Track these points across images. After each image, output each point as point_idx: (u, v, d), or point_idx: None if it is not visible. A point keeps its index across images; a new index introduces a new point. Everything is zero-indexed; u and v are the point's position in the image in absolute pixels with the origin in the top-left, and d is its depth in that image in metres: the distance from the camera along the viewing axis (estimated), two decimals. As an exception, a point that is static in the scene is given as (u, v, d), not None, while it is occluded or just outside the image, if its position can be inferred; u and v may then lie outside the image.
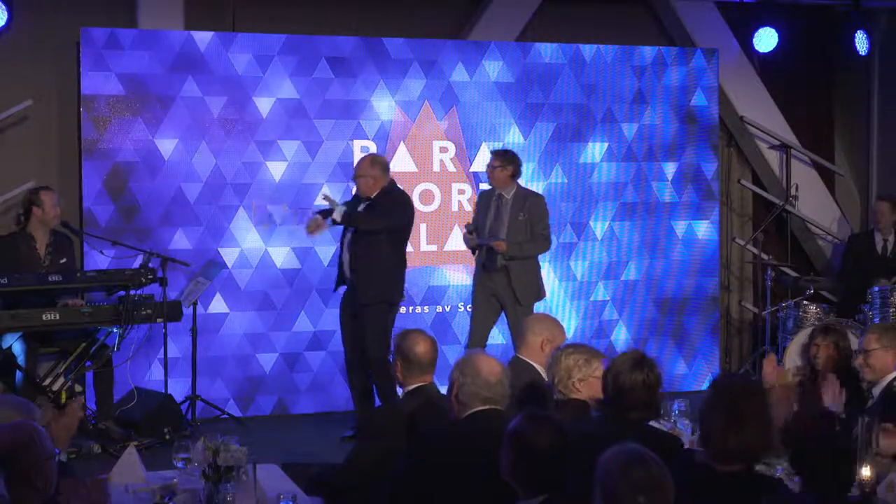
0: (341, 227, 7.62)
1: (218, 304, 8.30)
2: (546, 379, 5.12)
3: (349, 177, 8.49)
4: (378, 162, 7.56)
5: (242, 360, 8.37)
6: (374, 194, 7.48)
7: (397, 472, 4.18)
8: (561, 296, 9.12)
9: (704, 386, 9.31)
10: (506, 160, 7.79)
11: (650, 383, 4.17)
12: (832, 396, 4.87)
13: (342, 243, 7.60)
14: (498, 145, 8.62)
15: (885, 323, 7.47)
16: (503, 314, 7.85)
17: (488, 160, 7.89)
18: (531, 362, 5.36)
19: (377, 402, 7.55)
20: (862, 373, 5.43)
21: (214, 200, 8.30)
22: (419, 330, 4.91)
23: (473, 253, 7.90)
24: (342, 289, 7.68)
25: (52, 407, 4.27)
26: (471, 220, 8.00)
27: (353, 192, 7.71)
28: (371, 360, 7.40)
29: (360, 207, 7.53)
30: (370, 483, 4.42)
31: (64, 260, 7.55)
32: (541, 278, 7.92)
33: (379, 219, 7.42)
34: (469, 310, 8.11)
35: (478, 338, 7.81)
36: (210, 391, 8.19)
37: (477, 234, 7.80)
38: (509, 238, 7.71)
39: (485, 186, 8.17)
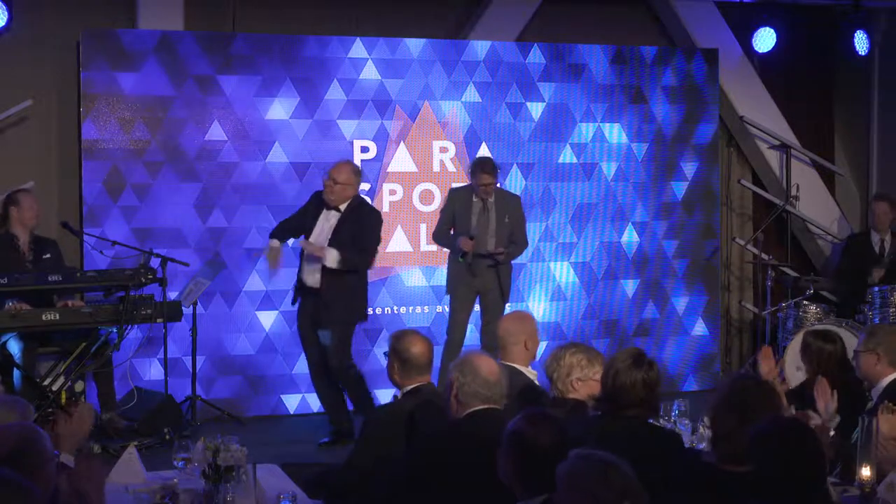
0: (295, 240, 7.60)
1: (218, 304, 8.30)
2: (531, 379, 5.10)
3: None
4: (358, 172, 7.53)
5: (243, 360, 8.37)
6: (345, 204, 7.37)
7: (397, 472, 4.18)
8: (561, 295, 9.11)
9: (704, 386, 9.32)
10: (497, 174, 7.86)
11: (649, 381, 4.17)
12: (824, 400, 4.83)
13: (301, 255, 7.50)
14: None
15: (876, 325, 7.44)
16: (478, 309, 8.01)
17: (479, 176, 7.77)
18: (517, 366, 5.30)
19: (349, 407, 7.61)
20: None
21: (215, 200, 8.30)
22: (413, 330, 4.91)
23: (462, 256, 7.81)
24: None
25: (63, 413, 4.24)
26: (441, 216, 8.02)
27: (318, 196, 7.50)
28: (335, 369, 7.40)
29: (330, 217, 7.33)
30: (370, 483, 4.42)
31: (48, 255, 7.58)
32: None
33: (369, 250, 7.42)
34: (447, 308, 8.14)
35: (460, 335, 7.92)
36: (210, 391, 8.19)
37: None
38: (497, 242, 7.83)
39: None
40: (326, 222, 7.39)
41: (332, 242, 7.28)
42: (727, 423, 3.66)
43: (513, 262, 8.13)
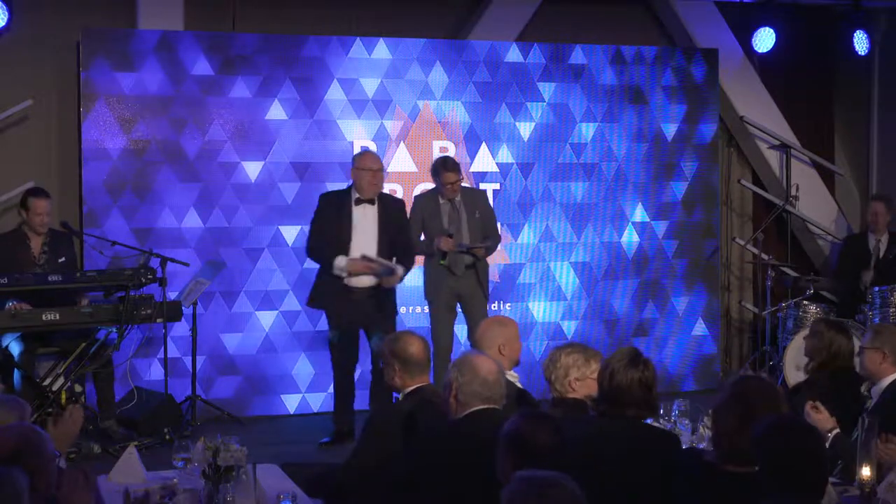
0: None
1: (218, 304, 8.30)
2: (512, 382, 5.09)
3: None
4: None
5: (243, 360, 8.37)
6: (377, 195, 7.40)
7: (397, 472, 4.18)
8: (561, 295, 9.11)
9: (704, 386, 9.32)
10: (460, 170, 7.80)
11: (646, 381, 4.17)
12: (821, 420, 4.79)
13: (350, 240, 7.31)
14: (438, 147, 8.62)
15: (883, 324, 7.43)
16: (461, 313, 7.91)
17: (444, 175, 7.66)
18: None
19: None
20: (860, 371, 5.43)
21: (215, 200, 8.30)
22: (409, 331, 4.94)
23: (443, 258, 7.68)
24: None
25: (54, 413, 4.26)
26: (414, 227, 7.82)
27: (334, 197, 7.46)
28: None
29: (367, 212, 7.32)
30: (370, 483, 4.42)
31: (63, 259, 7.53)
32: None
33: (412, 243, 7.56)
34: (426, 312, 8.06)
35: (447, 340, 7.84)
36: (210, 391, 8.19)
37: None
38: (472, 239, 7.76)
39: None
40: (364, 218, 7.34)
41: (381, 237, 7.30)
42: (728, 422, 3.66)
43: (511, 262, 8.12)
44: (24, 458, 3.33)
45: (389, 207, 7.45)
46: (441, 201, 7.79)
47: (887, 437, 4.42)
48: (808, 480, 3.30)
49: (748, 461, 3.57)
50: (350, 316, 7.38)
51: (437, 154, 8.77)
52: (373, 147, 8.59)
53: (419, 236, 7.85)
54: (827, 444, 4.60)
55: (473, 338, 7.52)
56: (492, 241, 7.92)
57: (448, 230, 7.69)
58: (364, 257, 7.27)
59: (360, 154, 7.56)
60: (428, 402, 4.58)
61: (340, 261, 7.25)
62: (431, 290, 7.89)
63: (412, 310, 8.64)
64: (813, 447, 3.33)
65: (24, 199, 7.52)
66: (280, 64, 8.41)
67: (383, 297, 7.35)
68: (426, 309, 8.65)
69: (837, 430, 4.71)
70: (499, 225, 8.30)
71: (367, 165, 7.32)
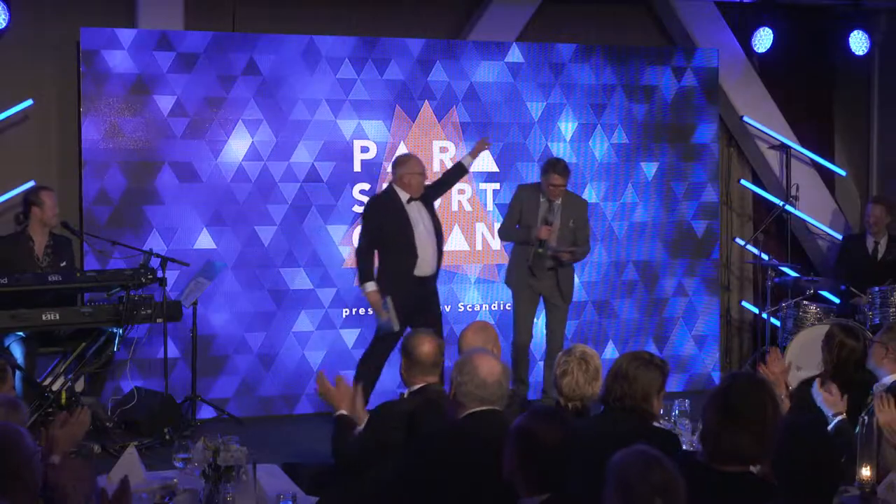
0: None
1: (218, 304, 8.30)
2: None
3: (351, 178, 8.50)
4: None
5: (242, 360, 8.36)
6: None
7: (396, 471, 4.19)
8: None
9: (704, 386, 9.32)
10: (568, 176, 7.94)
11: (648, 383, 4.16)
12: (829, 401, 4.83)
13: (414, 236, 7.51)
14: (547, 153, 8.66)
15: None
16: (542, 310, 8.07)
17: (551, 176, 7.80)
18: None
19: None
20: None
21: (215, 200, 8.29)
22: (428, 331, 4.94)
23: (541, 246, 7.75)
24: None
25: (63, 414, 4.27)
26: (509, 211, 8.06)
27: (384, 200, 7.63)
28: None
29: (421, 209, 7.63)
30: (369, 482, 4.42)
31: (64, 263, 7.54)
32: None
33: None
34: (505, 307, 8.15)
35: (527, 337, 7.98)
36: (210, 391, 8.19)
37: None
38: (559, 244, 7.87)
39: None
40: (420, 214, 7.62)
41: (438, 231, 7.65)
42: (712, 420, 3.65)
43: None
44: (10, 456, 3.33)
45: (427, 200, 7.80)
46: (542, 199, 7.88)
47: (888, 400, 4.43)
48: (819, 485, 3.30)
49: (735, 460, 3.57)
50: (410, 303, 7.55)
51: (437, 154, 8.78)
52: (373, 147, 8.60)
53: (515, 224, 7.99)
54: (829, 427, 4.62)
55: (558, 341, 7.82)
56: (580, 249, 8.01)
57: (548, 219, 7.81)
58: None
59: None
60: (430, 401, 4.60)
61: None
62: (514, 281, 8.01)
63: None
64: (824, 453, 3.34)
65: (34, 197, 7.51)
66: (280, 64, 8.41)
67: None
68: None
69: (843, 417, 4.72)
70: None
71: (413, 170, 7.66)
